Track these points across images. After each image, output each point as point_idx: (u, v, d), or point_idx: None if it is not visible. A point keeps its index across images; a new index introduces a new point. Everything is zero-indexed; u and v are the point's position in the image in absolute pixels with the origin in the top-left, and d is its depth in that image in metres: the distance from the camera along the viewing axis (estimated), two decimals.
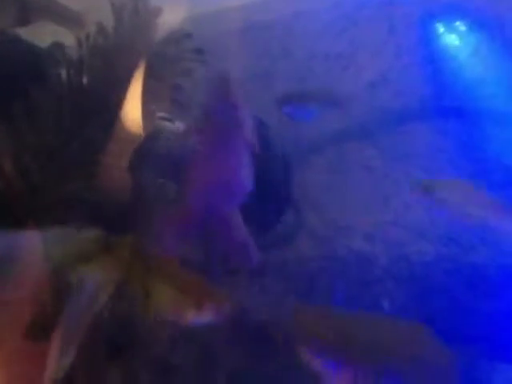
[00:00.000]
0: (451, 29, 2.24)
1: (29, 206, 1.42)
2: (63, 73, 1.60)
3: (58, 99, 1.55)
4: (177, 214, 1.41)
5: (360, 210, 1.92)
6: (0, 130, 1.44)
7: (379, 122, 2.27)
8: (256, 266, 1.40)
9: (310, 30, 2.39)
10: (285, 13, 2.41)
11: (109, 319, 1.21)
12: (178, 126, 1.63)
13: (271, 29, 2.42)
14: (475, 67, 2.20)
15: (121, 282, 1.19)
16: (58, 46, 1.70)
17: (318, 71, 2.33)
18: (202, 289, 1.18)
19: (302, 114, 1.88)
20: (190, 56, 1.76)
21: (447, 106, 2.21)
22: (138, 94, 1.58)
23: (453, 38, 2.25)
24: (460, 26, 2.23)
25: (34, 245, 1.26)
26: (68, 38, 1.72)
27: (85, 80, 1.61)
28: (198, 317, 1.14)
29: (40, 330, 1.27)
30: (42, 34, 1.78)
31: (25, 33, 1.75)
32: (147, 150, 1.55)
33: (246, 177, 1.35)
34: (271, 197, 1.61)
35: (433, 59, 2.27)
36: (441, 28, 2.25)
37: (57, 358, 1.15)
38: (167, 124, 1.64)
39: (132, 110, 1.54)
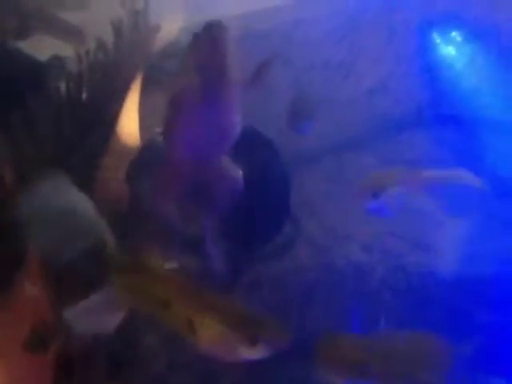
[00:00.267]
0: (447, 39, 2.25)
1: None
2: (62, 86, 1.62)
3: (56, 112, 1.56)
4: (166, 169, 1.39)
5: (358, 220, 1.92)
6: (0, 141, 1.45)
7: (378, 129, 2.28)
8: (253, 277, 1.40)
9: (310, 39, 2.39)
10: (284, 21, 2.42)
11: (110, 336, 1.19)
12: None
13: (270, 37, 2.42)
14: (471, 77, 2.21)
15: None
16: (57, 59, 1.72)
17: (317, 79, 2.33)
18: (254, 322, 1.04)
19: (308, 128, 1.87)
20: None
21: (444, 114, 2.22)
22: (136, 106, 1.59)
23: (449, 48, 2.26)
24: (456, 36, 2.24)
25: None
26: (67, 52, 1.73)
27: (84, 93, 1.63)
28: (252, 353, 1.03)
29: (39, 342, 1.28)
30: (41, 47, 1.79)
31: (25, 46, 1.77)
32: (144, 160, 1.55)
33: (235, 122, 1.32)
34: (271, 209, 1.61)
35: (430, 68, 2.28)
36: (437, 39, 2.26)
37: None
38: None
39: (129, 123, 1.55)
